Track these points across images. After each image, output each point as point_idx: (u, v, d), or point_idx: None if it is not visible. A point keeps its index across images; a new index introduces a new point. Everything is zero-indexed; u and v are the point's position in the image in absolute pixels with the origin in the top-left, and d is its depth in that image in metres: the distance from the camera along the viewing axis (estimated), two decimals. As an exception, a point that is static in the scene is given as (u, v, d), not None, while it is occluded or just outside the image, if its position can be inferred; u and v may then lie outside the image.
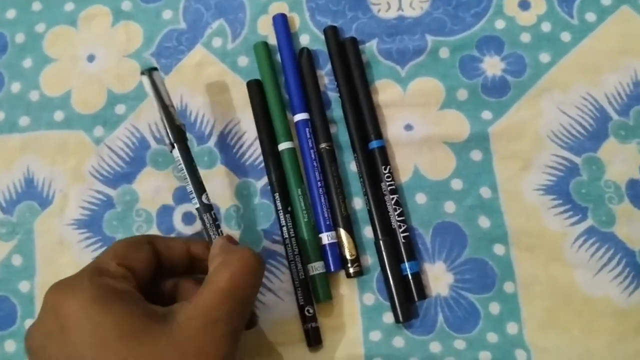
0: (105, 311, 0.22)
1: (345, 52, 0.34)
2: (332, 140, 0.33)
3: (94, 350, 0.22)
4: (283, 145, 0.33)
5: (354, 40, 0.34)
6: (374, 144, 0.33)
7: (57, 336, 0.22)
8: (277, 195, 0.32)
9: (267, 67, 0.34)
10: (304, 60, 0.34)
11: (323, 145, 0.33)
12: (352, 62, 0.34)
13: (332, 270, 0.31)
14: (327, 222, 0.32)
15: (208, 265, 0.26)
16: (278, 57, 0.35)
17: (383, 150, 0.33)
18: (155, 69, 0.30)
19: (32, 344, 0.24)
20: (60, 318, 0.22)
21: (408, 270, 0.31)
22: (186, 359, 0.22)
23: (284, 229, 0.31)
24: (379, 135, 0.33)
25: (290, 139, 0.33)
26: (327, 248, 0.31)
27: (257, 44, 0.34)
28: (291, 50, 0.34)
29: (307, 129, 0.33)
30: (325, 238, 0.31)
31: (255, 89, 0.34)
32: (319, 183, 0.32)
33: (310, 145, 0.33)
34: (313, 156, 0.32)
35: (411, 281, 0.31)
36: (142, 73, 0.29)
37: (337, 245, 0.32)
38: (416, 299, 0.31)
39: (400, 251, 0.31)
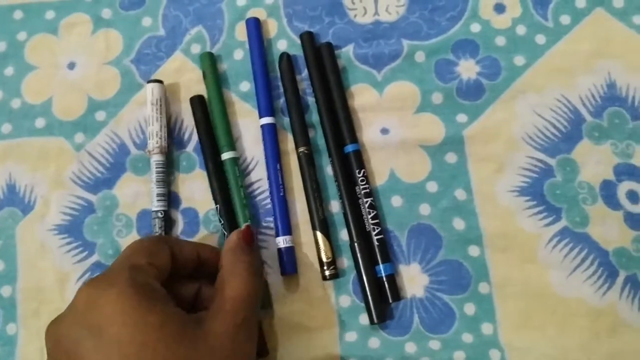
0: (148, 311, 0.22)
1: (321, 57, 0.35)
2: (310, 144, 0.34)
3: (135, 349, 0.21)
4: (225, 155, 0.33)
5: (329, 46, 0.35)
6: (349, 148, 0.33)
7: (95, 333, 0.22)
8: (218, 206, 0.33)
9: (212, 76, 0.34)
10: (284, 65, 0.35)
11: (301, 149, 0.33)
12: (328, 67, 0.34)
13: (286, 272, 0.31)
14: (285, 226, 0.32)
15: (220, 263, 0.27)
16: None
17: (358, 154, 0.33)
18: (160, 81, 0.33)
19: (59, 336, 0.23)
20: (100, 315, 0.22)
21: (382, 272, 0.31)
22: None
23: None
24: (354, 140, 0.33)
25: (233, 148, 0.33)
26: (283, 251, 0.32)
27: (203, 54, 0.35)
28: (261, 53, 0.35)
29: (270, 133, 0.33)
30: (281, 242, 0.32)
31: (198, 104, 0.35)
32: (280, 187, 0.33)
33: (272, 148, 0.33)
34: (274, 160, 0.33)
35: (386, 283, 0.31)
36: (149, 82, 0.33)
37: (293, 250, 0.32)
38: (390, 300, 0.31)
39: (374, 253, 0.31)
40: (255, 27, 0.35)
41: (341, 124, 0.33)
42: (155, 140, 0.33)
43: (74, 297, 0.24)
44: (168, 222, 0.33)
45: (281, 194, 0.32)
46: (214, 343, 0.23)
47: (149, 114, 0.33)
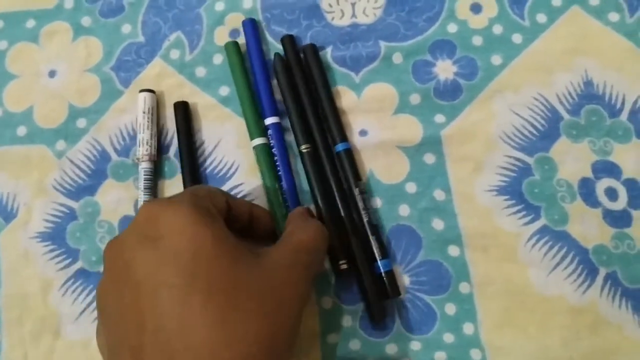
0: (205, 226, 0.23)
1: (305, 58, 0.35)
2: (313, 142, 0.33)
3: (191, 258, 0.22)
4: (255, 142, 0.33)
5: (313, 47, 0.35)
6: (340, 147, 0.33)
7: (152, 243, 0.22)
8: None
9: (238, 66, 0.35)
10: (278, 66, 0.34)
11: (303, 147, 0.33)
12: (313, 67, 0.34)
13: None
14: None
15: (286, 226, 0.29)
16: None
17: (349, 152, 0.33)
18: (152, 91, 0.34)
19: (118, 251, 0.24)
20: (159, 227, 0.23)
21: (382, 268, 0.31)
22: (273, 290, 0.23)
23: None
24: (344, 138, 0.33)
25: (264, 135, 0.34)
26: None
27: (228, 44, 0.35)
28: (260, 54, 0.35)
29: (277, 132, 0.34)
30: None
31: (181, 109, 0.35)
32: (291, 182, 0.33)
33: (280, 146, 0.34)
34: (284, 155, 0.33)
35: (385, 279, 0.31)
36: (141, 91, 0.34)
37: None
38: (391, 295, 0.31)
39: (371, 251, 0.31)
40: (252, 28, 0.35)
41: (331, 123, 0.33)
42: (145, 147, 0.33)
43: (136, 214, 0.24)
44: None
45: (294, 196, 0.33)
46: (269, 268, 0.24)
47: (140, 122, 0.34)
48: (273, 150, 0.33)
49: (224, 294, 0.22)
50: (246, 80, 0.34)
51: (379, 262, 0.31)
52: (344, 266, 0.31)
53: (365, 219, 0.32)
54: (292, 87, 0.34)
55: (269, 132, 0.34)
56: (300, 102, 0.34)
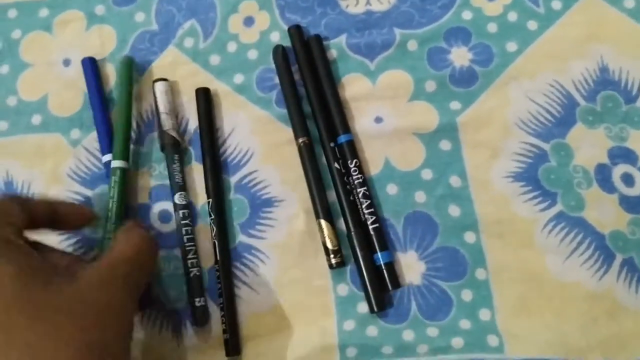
0: (4, 262, 0.22)
1: (310, 50, 0.35)
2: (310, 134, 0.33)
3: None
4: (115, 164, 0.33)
5: (318, 38, 0.35)
6: (342, 139, 0.33)
7: None
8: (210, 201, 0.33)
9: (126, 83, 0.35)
10: (279, 58, 0.35)
11: (301, 139, 0.33)
12: (318, 59, 0.34)
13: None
14: None
15: (112, 242, 0.29)
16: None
17: (351, 144, 0.33)
18: (164, 79, 0.34)
19: None
20: None
21: (380, 260, 0.31)
22: (86, 309, 0.23)
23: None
24: (347, 130, 0.33)
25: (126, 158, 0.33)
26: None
27: (123, 59, 0.35)
28: (99, 92, 0.35)
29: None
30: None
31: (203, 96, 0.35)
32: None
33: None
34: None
35: (384, 271, 0.31)
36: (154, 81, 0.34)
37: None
38: (390, 288, 0.31)
39: (372, 242, 0.31)
40: (92, 65, 0.35)
41: (333, 115, 0.33)
42: (172, 134, 0.34)
43: None
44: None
45: None
46: (82, 287, 0.23)
47: (165, 111, 0.34)
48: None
49: (25, 323, 0.22)
50: (128, 100, 0.34)
51: (378, 254, 0.31)
52: (334, 260, 0.31)
53: (365, 211, 0.32)
54: (291, 79, 0.34)
55: (107, 170, 0.33)
56: (296, 93, 0.34)
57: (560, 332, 0.30)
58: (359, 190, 0.32)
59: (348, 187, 0.32)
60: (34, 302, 0.22)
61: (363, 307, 0.31)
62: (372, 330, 0.31)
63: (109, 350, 0.23)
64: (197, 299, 0.31)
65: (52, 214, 0.28)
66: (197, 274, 0.32)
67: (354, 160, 0.33)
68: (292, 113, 0.34)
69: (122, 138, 0.33)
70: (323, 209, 0.32)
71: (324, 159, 0.34)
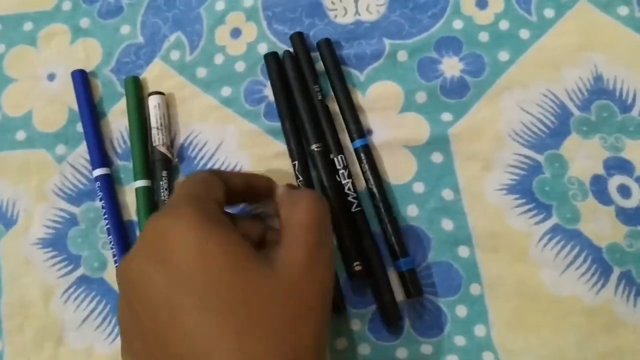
0: (210, 237, 0.22)
1: (322, 54, 0.34)
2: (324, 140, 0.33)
3: (201, 275, 0.21)
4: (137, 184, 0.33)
5: (328, 42, 0.34)
6: (357, 143, 0.32)
7: (159, 263, 0.21)
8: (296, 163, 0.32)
9: (134, 102, 0.34)
10: (288, 64, 0.34)
11: (314, 146, 0.32)
12: (329, 62, 0.34)
13: None
14: None
15: (277, 207, 0.27)
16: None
17: (367, 148, 0.32)
18: (159, 93, 0.34)
19: (129, 272, 0.22)
20: (164, 245, 0.22)
21: (404, 266, 0.30)
22: (292, 296, 0.22)
23: None
24: (362, 134, 0.33)
25: (147, 177, 0.33)
26: None
27: (128, 79, 0.35)
28: (89, 105, 0.34)
29: (105, 185, 0.33)
30: None
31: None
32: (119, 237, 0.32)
33: (108, 199, 0.33)
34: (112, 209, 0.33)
35: (407, 278, 0.30)
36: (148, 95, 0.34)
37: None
38: (413, 294, 0.30)
39: (395, 249, 0.31)
40: (81, 78, 0.35)
41: (348, 120, 0.33)
42: (167, 149, 0.33)
43: (143, 230, 0.23)
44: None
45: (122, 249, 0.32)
46: (285, 272, 0.22)
47: (155, 126, 0.33)
48: (102, 203, 0.33)
49: (239, 311, 0.21)
50: (140, 119, 0.34)
51: (400, 260, 0.30)
52: (358, 267, 0.30)
53: (385, 218, 0.31)
54: (302, 86, 0.33)
55: (97, 184, 0.33)
56: (308, 101, 0.33)
57: (556, 348, 0.29)
58: (379, 196, 0.31)
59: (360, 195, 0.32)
60: (239, 289, 0.21)
61: (355, 324, 0.31)
62: (364, 348, 0.30)
63: (311, 348, 0.21)
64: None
65: (247, 187, 0.28)
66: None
67: (374, 163, 0.32)
68: (303, 121, 0.33)
69: (139, 157, 0.33)
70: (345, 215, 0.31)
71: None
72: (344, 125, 0.33)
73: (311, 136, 0.32)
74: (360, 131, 0.33)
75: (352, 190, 0.31)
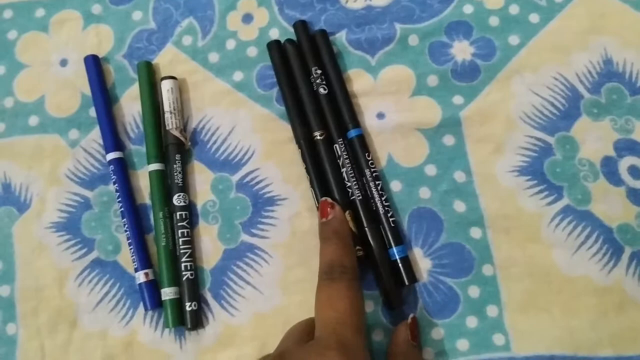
0: None
1: (316, 44, 0.34)
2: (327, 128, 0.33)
3: None
4: (151, 167, 0.33)
5: (324, 32, 0.34)
6: (352, 133, 0.33)
7: None
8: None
9: (146, 86, 0.34)
10: (291, 53, 0.34)
11: (317, 133, 0.32)
12: (324, 53, 0.34)
13: (149, 308, 0.31)
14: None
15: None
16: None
17: (362, 139, 0.32)
18: (171, 77, 0.34)
19: None
20: None
21: (396, 255, 0.30)
22: None
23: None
24: (357, 124, 0.33)
25: (160, 160, 0.33)
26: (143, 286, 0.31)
27: (141, 63, 0.35)
28: (102, 90, 0.35)
29: (120, 169, 0.33)
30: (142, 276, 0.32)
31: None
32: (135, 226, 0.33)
33: (122, 183, 0.34)
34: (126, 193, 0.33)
35: (401, 266, 0.30)
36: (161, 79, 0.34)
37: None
38: (407, 282, 0.30)
39: (387, 237, 0.31)
40: (94, 64, 0.35)
41: (343, 110, 0.33)
42: (182, 133, 0.33)
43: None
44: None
45: (137, 232, 0.32)
46: None
47: (169, 110, 0.34)
48: (115, 186, 0.33)
49: None
50: (153, 103, 0.34)
51: (393, 248, 0.30)
52: (360, 252, 0.30)
53: (379, 206, 0.31)
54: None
55: (111, 168, 0.33)
56: (310, 89, 0.33)
57: (569, 327, 0.30)
58: (376, 183, 0.31)
59: (359, 182, 0.32)
60: None
61: (368, 306, 0.31)
62: (377, 334, 0.30)
63: None
64: (189, 303, 0.31)
65: None
66: (191, 277, 0.31)
67: (369, 154, 0.32)
68: (306, 109, 0.33)
69: (152, 141, 0.33)
70: (345, 202, 0.31)
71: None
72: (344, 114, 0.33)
73: (313, 124, 0.33)
74: (355, 121, 0.33)
75: (351, 177, 0.32)
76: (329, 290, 0.26)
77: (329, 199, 0.30)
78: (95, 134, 0.35)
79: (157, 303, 0.31)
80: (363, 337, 0.25)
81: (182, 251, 0.32)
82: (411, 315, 0.30)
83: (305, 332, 0.27)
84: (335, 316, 0.25)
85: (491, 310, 0.30)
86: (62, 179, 0.34)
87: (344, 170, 0.32)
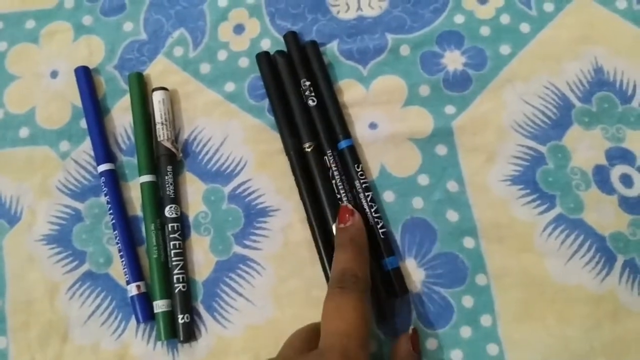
0: None
1: (307, 55, 0.34)
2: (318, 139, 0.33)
3: None
4: (142, 179, 0.33)
5: (314, 44, 0.34)
6: (342, 144, 0.32)
7: None
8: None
9: (138, 98, 0.34)
10: (281, 64, 0.34)
11: (306, 145, 0.32)
12: (315, 64, 0.34)
13: (141, 321, 0.31)
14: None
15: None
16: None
17: (353, 149, 0.32)
18: (163, 88, 0.34)
19: None
20: None
21: (389, 265, 0.30)
22: None
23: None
24: (348, 135, 0.33)
25: (152, 172, 0.33)
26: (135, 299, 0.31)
27: (132, 75, 0.35)
28: (93, 101, 0.35)
29: (111, 181, 0.33)
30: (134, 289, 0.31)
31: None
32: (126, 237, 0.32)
33: (114, 195, 0.34)
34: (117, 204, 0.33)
35: (393, 277, 0.30)
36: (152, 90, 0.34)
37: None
38: (399, 293, 0.30)
39: (379, 248, 0.31)
40: (85, 75, 0.35)
41: (333, 121, 0.33)
42: (173, 144, 0.33)
43: None
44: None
45: (128, 244, 0.32)
46: None
47: (160, 121, 0.34)
48: (107, 198, 0.33)
49: None
50: (144, 114, 0.34)
51: (385, 259, 0.30)
52: None
53: (369, 217, 0.31)
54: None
55: (102, 179, 0.33)
56: (300, 99, 0.33)
57: (563, 337, 0.30)
58: (366, 194, 0.31)
59: (349, 194, 0.32)
60: None
61: (362, 317, 0.30)
62: (371, 345, 0.30)
63: None
64: (181, 316, 0.31)
65: None
66: (183, 289, 0.31)
67: (359, 165, 0.32)
68: (296, 120, 0.33)
69: (143, 152, 0.33)
70: (335, 214, 0.31)
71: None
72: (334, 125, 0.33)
73: (303, 135, 0.32)
74: (345, 132, 0.33)
75: (341, 189, 0.31)
76: (339, 299, 0.26)
77: (350, 205, 0.30)
78: (87, 145, 0.35)
79: (149, 316, 0.31)
80: (367, 352, 0.25)
81: (174, 263, 0.31)
82: (412, 327, 0.29)
83: (307, 340, 0.26)
84: (343, 327, 0.25)
85: (485, 320, 0.30)
86: (53, 191, 0.34)
87: (334, 181, 0.32)
